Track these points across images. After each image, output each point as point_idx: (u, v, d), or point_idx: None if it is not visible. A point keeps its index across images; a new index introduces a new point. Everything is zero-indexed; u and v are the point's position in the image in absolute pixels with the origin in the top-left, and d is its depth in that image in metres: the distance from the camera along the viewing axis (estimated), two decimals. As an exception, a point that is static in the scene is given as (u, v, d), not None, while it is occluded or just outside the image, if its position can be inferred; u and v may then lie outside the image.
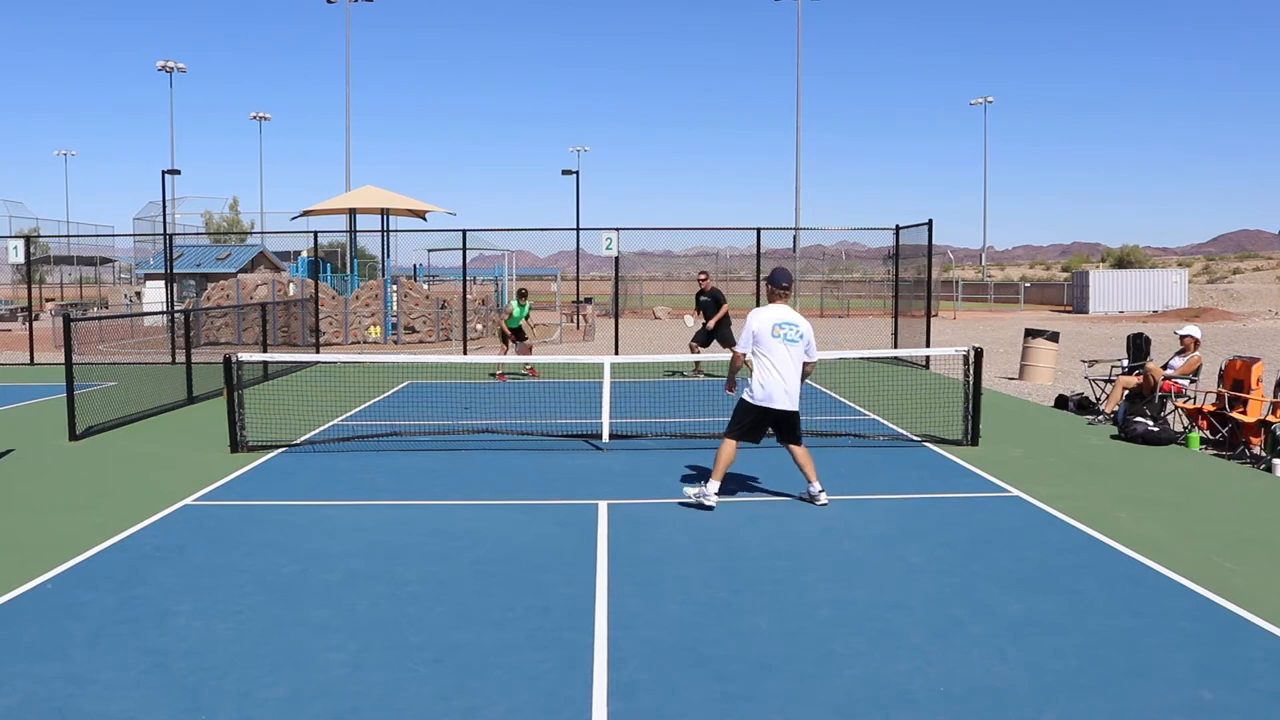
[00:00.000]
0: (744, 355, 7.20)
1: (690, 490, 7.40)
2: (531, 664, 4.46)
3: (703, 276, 16.25)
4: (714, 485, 7.19)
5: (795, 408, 7.16)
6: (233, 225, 56.60)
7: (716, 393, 14.07)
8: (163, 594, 5.41)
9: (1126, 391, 11.10)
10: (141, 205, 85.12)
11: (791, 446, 7.29)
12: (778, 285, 7.26)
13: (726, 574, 5.74)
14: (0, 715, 3.97)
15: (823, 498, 7.28)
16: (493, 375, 16.19)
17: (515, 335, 16.20)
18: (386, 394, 14.10)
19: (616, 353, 19.26)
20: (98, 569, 5.88)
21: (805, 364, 7.23)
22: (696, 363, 15.81)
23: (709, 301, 15.73)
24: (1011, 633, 4.82)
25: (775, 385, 7.05)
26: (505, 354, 16.12)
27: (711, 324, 15.53)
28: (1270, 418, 9.27)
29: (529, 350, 16.48)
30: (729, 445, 7.21)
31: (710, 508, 7.16)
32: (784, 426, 7.24)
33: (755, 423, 7.24)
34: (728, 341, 15.25)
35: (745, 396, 7.22)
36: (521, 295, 16.31)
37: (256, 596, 5.37)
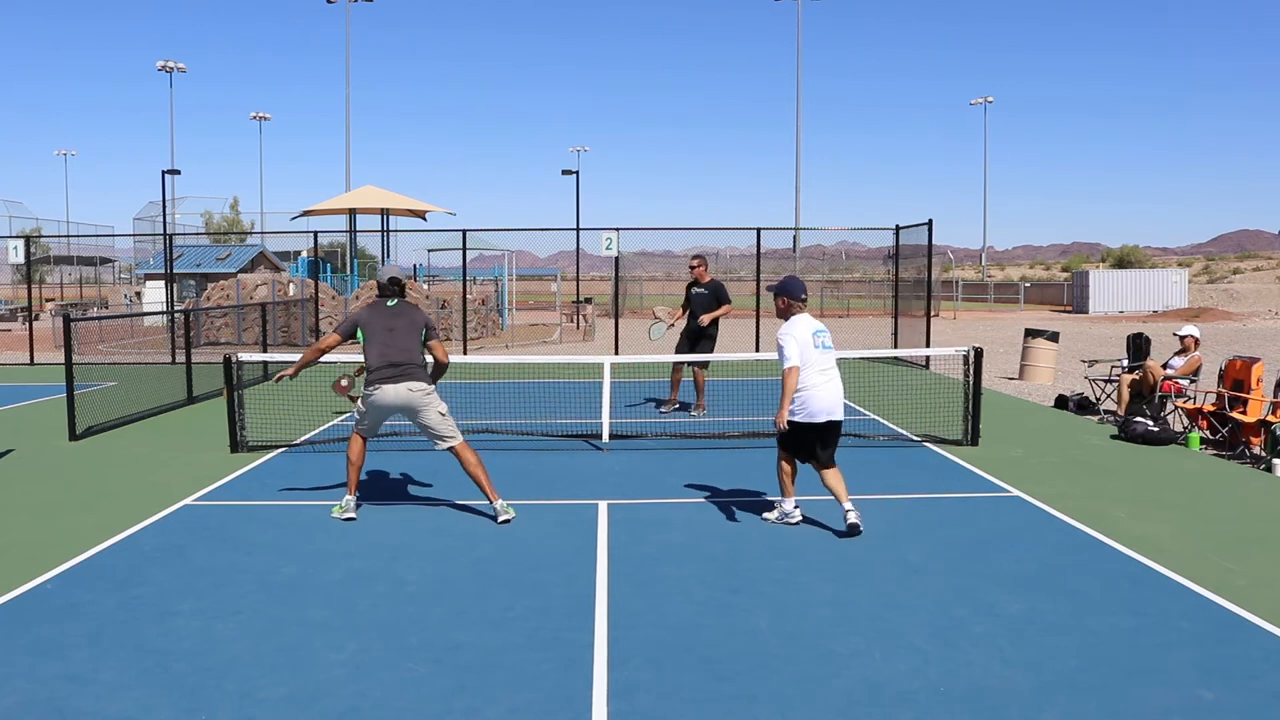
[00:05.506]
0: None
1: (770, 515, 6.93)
2: (531, 664, 4.46)
3: (697, 263, 11.86)
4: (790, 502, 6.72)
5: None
6: (233, 225, 56.58)
7: (717, 393, 14.07)
8: (163, 594, 5.40)
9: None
10: (141, 205, 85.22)
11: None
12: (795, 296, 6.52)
13: (726, 574, 5.74)
14: (0, 715, 3.97)
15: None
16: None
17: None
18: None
19: (616, 353, 19.25)
20: (98, 569, 5.87)
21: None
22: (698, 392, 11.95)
23: (706, 295, 11.71)
24: (1011, 633, 4.82)
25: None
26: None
27: (706, 319, 11.55)
28: (1270, 418, 9.27)
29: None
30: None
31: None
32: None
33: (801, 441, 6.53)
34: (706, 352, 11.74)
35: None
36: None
37: (256, 596, 5.37)
